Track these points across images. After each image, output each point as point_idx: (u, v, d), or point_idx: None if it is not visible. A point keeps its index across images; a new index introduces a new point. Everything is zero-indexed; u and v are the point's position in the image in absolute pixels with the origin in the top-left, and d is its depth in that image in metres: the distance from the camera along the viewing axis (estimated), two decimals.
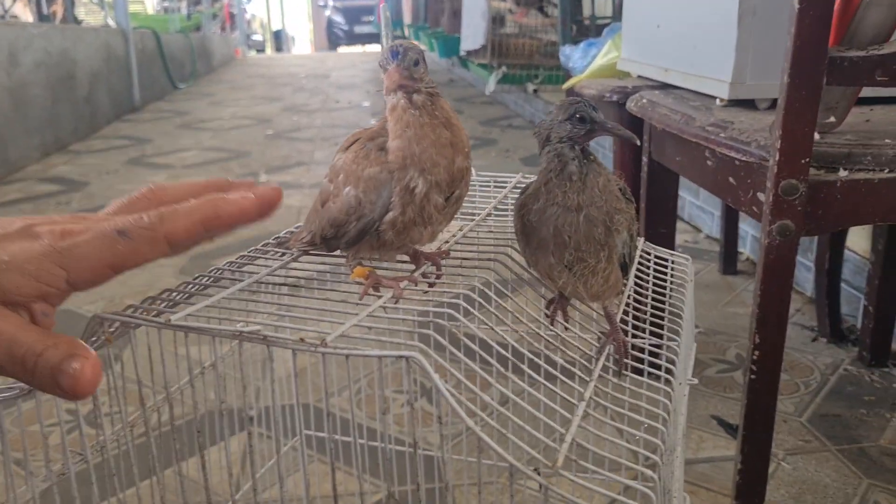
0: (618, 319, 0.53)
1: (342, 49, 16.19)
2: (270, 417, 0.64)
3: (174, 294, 0.50)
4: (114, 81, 5.03)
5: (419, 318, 0.46)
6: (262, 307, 0.46)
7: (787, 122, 0.83)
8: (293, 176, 3.15)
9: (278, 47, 18.50)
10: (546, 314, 0.55)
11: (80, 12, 12.42)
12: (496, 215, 0.69)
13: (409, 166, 0.46)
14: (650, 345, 0.61)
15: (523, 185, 0.57)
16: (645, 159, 1.27)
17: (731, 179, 0.99)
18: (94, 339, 0.43)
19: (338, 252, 0.54)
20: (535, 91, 2.30)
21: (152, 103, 5.78)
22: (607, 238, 0.48)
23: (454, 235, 0.61)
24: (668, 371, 0.51)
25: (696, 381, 0.59)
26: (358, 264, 0.52)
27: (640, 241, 0.68)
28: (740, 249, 1.93)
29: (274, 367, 0.44)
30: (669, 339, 0.60)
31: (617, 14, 1.61)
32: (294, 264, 0.53)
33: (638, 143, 0.52)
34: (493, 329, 0.50)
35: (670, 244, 1.34)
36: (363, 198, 0.47)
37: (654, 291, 0.63)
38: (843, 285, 1.53)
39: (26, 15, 13.15)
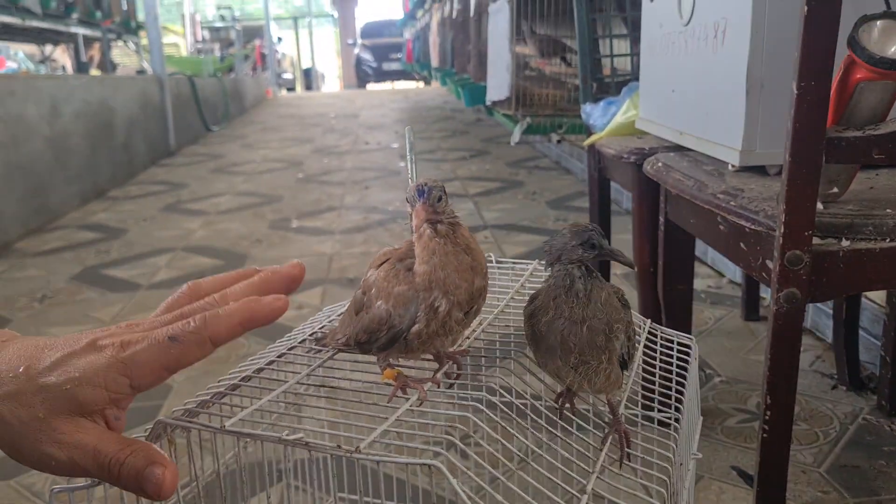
0: (620, 410, 0.58)
1: (371, 86, 16.47)
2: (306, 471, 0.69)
3: (224, 394, 0.55)
4: (150, 127, 5.20)
5: (443, 423, 0.51)
6: (303, 410, 0.52)
7: (790, 197, 0.87)
8: (324, 221, 3.24)
9: (308, 85, 18.86)
10: (555, 406, 0.60)
11: (116, 55, 12.82)
12: (514, 306, 0.74)
13: (433, 288, 0.52)
14: (658, 420, 0.65)
15: (538, 275, 0.62)
16: (662, 219, 1.32)
17: (742, 245, 1.03)
18: (158, 442, 0.49)
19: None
20: (558, 141, 2.36)
21: (187, 147, 5.95)
22: (608, 344, 0.54)
23: (474, 331, 0.66)
24: (667, 448, 0.55)
25: (700, 455, 0.63)
26: (388, 366, 0.57)
27: (647, 323, 0.73)
28: (762, 295, 1.95)
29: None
30: (675, 414, 0.64)
31: (636, 72, 1.67)
32: (330, 362, 0.59)
33: (634, 268, 0.57)
34: (509, 430, 0.55)
35: (688, 302, 1.38)
36: (393, 312, 0.53)
37: (661, 369, 0.68)
38: (861, 333, 1.56)
39: (65, 60, 13.60)
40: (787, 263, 0.89)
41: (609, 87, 1.77)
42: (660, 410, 0.64)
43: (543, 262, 0.57)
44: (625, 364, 0.56)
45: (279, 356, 0.59)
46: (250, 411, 0.48)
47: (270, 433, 0.45)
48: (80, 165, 3.91)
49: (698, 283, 2.15)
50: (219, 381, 0.58)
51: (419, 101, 9.59)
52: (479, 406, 0.50)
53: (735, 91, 1.10)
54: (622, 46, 1.85)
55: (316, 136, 6.40)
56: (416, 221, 0.51)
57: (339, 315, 0.70)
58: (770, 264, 0.94)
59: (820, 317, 1.73)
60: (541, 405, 0.63)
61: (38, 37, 8.19)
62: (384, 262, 0.55)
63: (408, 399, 0.50)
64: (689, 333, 1.44)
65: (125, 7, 9.24)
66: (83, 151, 3.95)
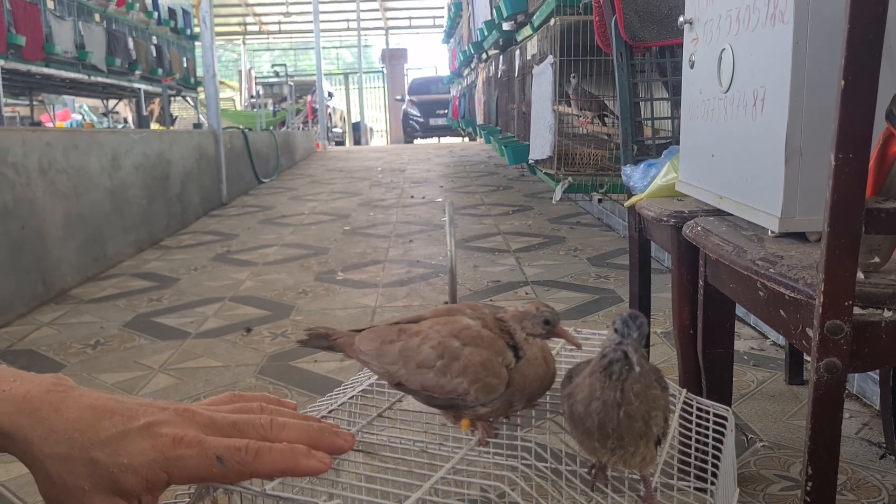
0: (654, 482, 0.59)
1: (417, 141, 16.76)
2: None
3: None
4: (204, 179, 5.36)
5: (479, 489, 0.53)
6: (342, 475, 0.54)
7: (829, 268, 0.88)
8: (368, 274, 3.29)
9: (357, 139, 19.25)
10: (587, 478, 0.62)
11: (175, 109, 13.31)
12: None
13: (518, 390, 0.56)
14: (694, 488, 0.66)
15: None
16: (701, 282, 1.32)
17: (781, 312, 1.03)
18: (202, 502, 0.52)
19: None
20: (599, 200, 2.38)
21: (238, 198, 6.11)
22: (646, 430, 0.55)
23: None
24: None
25: None
26: (460, 418, 0.60)
27: (682, 393, 0.74)
28: (807, 358, 1.92)
29: None
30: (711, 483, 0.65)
31: (677, 135, 1.69)
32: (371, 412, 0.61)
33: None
34: (545, 488, 0.56)
35: (728, 365, 1.37)
36: (473, 394, 0.56)
37: (697, 440, 0.68)
38: None
39: (126, 113, 14.11)
40: (828, 333, 0.89)
41: (650, 149, 1.80)
42: (696, 480, 0.64)
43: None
44: (659, 442, 0.58)
45: (322, 417, 0.62)
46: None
47: (309, 499, 0.47)
48: (137, 215, 4.05)
49: (740, 345, 2.12)
50: None
51: (464, 156, 9.72)
52: (518, 466, 0.51)
53: (774, 158, 1.12)
54: (663, 109, 1.88)
55: (363, 189, 6.52)
56: (572, 341, 0.56)
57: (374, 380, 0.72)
58: (810, 332, 0.93)
59: (867, 382, 1.70)
60: (576, 468, 0.64)
61: (103, 92, 8.58)
62: (476, 340, 0.58)
63: (452, 457, 0.52)
64: (730, 397, 1.43)
65: (185, 64, 9.64)
66: (140, 202, 4.10)
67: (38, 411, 0.47)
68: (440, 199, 5.64)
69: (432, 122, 16.67)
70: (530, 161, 2.75)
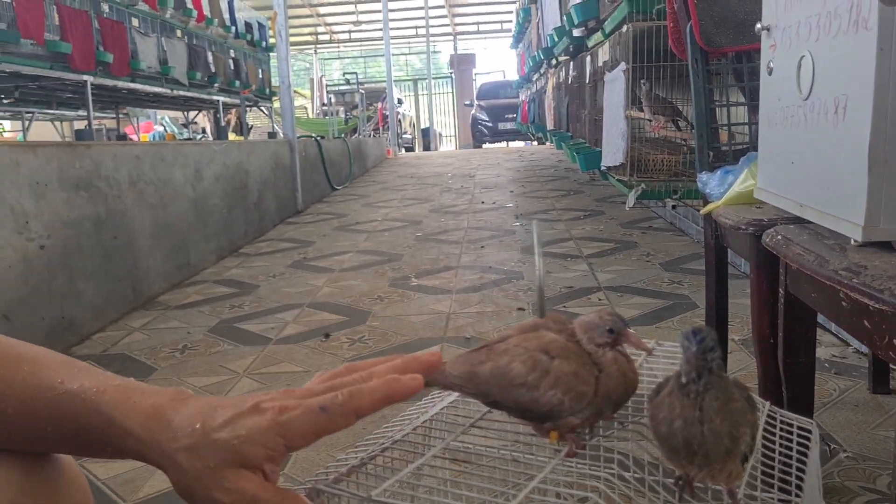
0: (739, 495, 0.60)
1: (486, 145, 16.80)
2: None
3: (368, 463, 0.62)
4: (280, 187, 5.52)
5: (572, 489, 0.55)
6: (441, 482, 0.58)
7: None
8: (441, 281, 3.33)
9: (426, 145, 19.41)
10: (673, 488, 0.64)
11: (250, 118, 13.69)
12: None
13: (606, 397, 0.59)
14: (778, 500, 0.67)
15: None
16: (781, 291, 1.31)
17: (865, 323, 1.02)
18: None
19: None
20: (674, 207, 2.37)
21: (313, 205, 6.26)
22: (733, 447, 0.57)
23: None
24: None
25: None
26: (552, 429, 0.64)
27: (766, 406, 0.74)
28: (893, 366, 1.87)
29: None
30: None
31: (754, 141, 1.67)
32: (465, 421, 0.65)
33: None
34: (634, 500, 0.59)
35: (810, 375, 1.35)
36: (567, 403, 0.59)
37: (781, 454, 0.69)
38: None
39: (204, 123, 14.60)
40: None
41: (726, 155, 1.78)
42: (780, 493, 0.65)
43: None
44: (746, 459, 0.59)
45: (414, 429, 0.65)
46: (393, 482, 0.54)
47: None
48: (218, 224, 4.20)
49: (821, 352, 2.08)
50: (356, 448, 0.64)
51: (533, 160, 9.70)
52: (604, 476, 0.54)
53: (857, 166, 1.10)
54: (739, 114, 1.86)
55: (434, 195, 6.59)
56: (639, 346, 0.59)
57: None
58: None
59: None
60: (660, 478, 0.66)
61: (184, 104, 8.92)
62: (566, 352, 0.61)
63: (539, 473, 0.55)
64: (812, 408, 1.41)
65: (260, 76, 9.93)
66: (220, 211, 4.26)
67: (164, 417, 0.52)
68: (511, 205, 5.66)
69: (501, 126, 16.69)
70: (602, 168, 2.75)
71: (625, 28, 2.48)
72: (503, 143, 17.06)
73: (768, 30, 1.49)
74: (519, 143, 15.98)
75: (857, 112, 1.12)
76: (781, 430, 0.71)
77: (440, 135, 22.20)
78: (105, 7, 5.95)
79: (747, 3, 1.84)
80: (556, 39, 4.99)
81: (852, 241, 1.15)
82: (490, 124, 16.96)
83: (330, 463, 0.63)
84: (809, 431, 0.69)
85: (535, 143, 13.06)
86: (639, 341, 0.62)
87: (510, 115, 15.76)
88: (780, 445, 0.69)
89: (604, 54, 3.10)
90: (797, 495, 0.64)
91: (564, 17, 4.31)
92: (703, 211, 1.70)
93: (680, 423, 0.56)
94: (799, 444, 0.69)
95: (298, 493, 0.51)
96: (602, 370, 0.59)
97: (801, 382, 1.35)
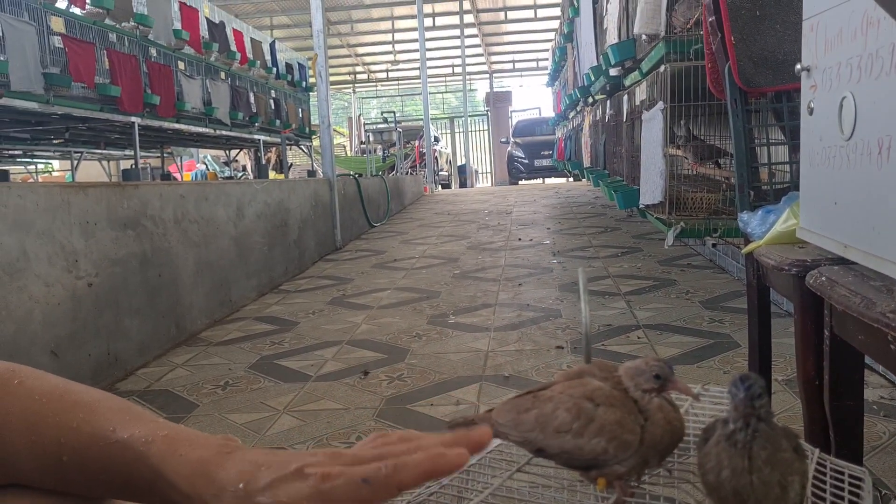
0: None
1: (522, 182, 16.85)
2: None
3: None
4: (319, 225, 5.60)
5: None
6: None
7: None
8: (480, 318, 3.33)
9: (462, 182, 19.53)
10: None
11: (290, 156, 13.93)
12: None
13: (652, 446, 0.59)
14: None
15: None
16: (827, 333, 1.29)
17: None
18: None
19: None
20: (714, 245, 2.35)
21: (351, 242, 6.33)
22: (783, 495, 0.56)
23: None
24: None
25: None
26: (599, 476, 0.64)
27: (815, 453, 0.73)
28: None
29: None
30: None
31: (795, 180, 1.67)
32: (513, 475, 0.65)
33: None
34: None
35: (859, 418, 1.32)
36: (611, 452, 0.60)
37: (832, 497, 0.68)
38: None
39: (245, 161, 14.87)
40: None
41: (766, 194, 1.77)
42: None
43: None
44: None
45: (460, 472, 0.66)
46: None
47: None
48: (259, 261, 4.27)
49: (869, 394, 2.03)
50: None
51: (570, 196, 9.70)
52: None
53: None
54: (780, 153, 1.86)
55: (471, 232, 6.62)
56: (686, 392, 0.60)
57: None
58: None
59: None
60: None
61: (226, 143, 9.13)
62: (612, 401, 0.61)
63: None
64: (861, 452, 1.38)
65: (300, 115, 10.13)
66: (261, 248, 4.33)
67: (210, 473, 0.53)
68: (548, 242, 5.66)
69: (537, 163, 16.74)
70: (641, 206, 2.74)
71: (662, 68, 2.49)
72: (539, 180, 17.09)
73: (808, 70, 1.49)
74: (557, 180, 15.98)
75: None
76: (832, 478, 0.70)
77: (476, 172, 22.32)
78: (153, 51, 6.15)
79: (786, 44, 1.85)
80: (593, 78, 5.03)
81: None
82: (526, 161, 17.02)
83: None
84: (861, 479, 0.68)
85: (571, 179, 13.06)
86: (685, 387, 0.62)
87: (546, 152, 15.81)
88: (832, 495, 0.68)
89: (641, 93, 3.11)
90: None
91: (601, 57, 4.35)
92: (745, 250, 1.68)
93: (728, 472, 0.56)
94: (851, 492, 0.68)
95: None
96: (648, 418, 0.59)
97: (850, 426, 1.32)
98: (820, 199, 1.44)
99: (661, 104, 2.45)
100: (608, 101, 4.89)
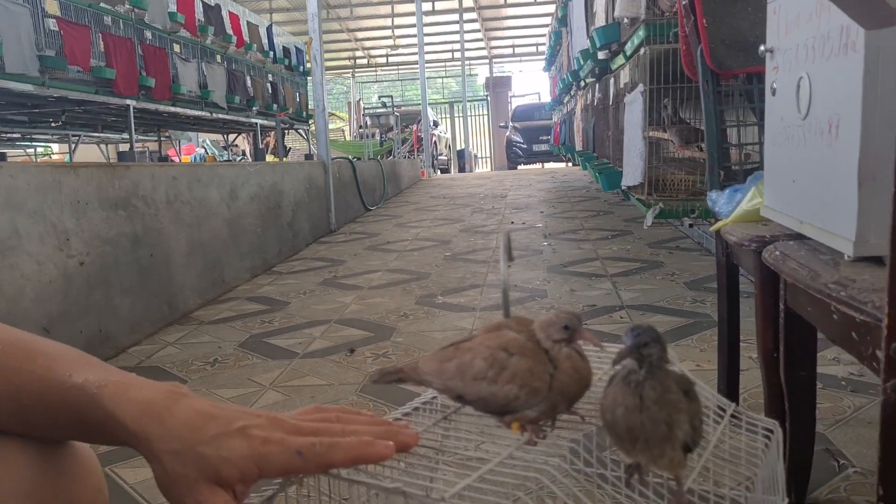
0: (687, 484, 0.64)
1: (521, 167, 16.87)
2: None
3: None
4: (314, 208, 5.64)
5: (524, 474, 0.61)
6: (411, 465, 0.63)
7: (892, 290, 0.90)
8: (467, 299, 3.38)
9: (461, 167, 19.55)
10: (624, 476, 0.68)
11: (289, 140, 13.94)
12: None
13: (560, 392, 0.64)
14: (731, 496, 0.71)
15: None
16: (782, 306, 1.34)
17: (853, 335, 1.05)
18: (289, 484, 0.62)
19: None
20: (690, 225, 2.39)
21: (346, 225, 6.37)
22: (670, 433, 0.61)
23: None
24: None
25: None
26: (513, 421, 0.69)
27: (731, 407, 0.78)
28: None
29: None
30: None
31: (763, 161, 1.71)
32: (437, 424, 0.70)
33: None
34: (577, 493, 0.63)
35: (811, 388, 1.37)
36: (522, 398, 0.65)
37: (746, 452, 0.73)
38: None
39: (245, 146, 14.89)
40: (894, 354, 0.91)
41: (737, 174, 1.82)
42: (737, 489, 0.69)
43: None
44: (689, 449, 0.63)
45: (395, 419, 0.71)
46: (352, 469, 0.59)
47: (376, 481, 0.56)
48: (252, 243, 4.32)
49: (839, 370, 2.08)
50: None
51: (565, 181, 9.73)
52: (559, 464, 0.59)
53: (849, 183, 1.14)
54: (752, 135, 1.90)
55: (465, 215, 6.66)
56: (593, 342, 0.64)
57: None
58: (880, 355, 0.95)
59: None
60: (605, 472, 0.70)
61: (223, 127, 9.16)
62: (525, 351, 0.66)
63: (493, 458, 0.60)
64: (814, 421, 1.43)
65: (298, 99, 10.14)
66: (255, 230, 4.37)
67: (158, 415, 0.57)
68: (540, 225, 5.70)
69: (535, 148, 16.77)
70: (623, 187, 2.79)
71: (642, 51, 2.53)
72: (538, 165, 17.12)
73: (772, 52, 1.53)
74: (557, 165, 15.99)
75: (848, 131, 1.16)
76: (747, 430, 0.75)
77: (475, 156, 22.33)
78: (148, 34, 6.17)
79: (758, 27, 1.88)
80: (583, 62, 5.06)
81: (846, 257, 1.19)
82: (524, 146, 17.05)
83: None
84: (772, 431, 0.73)
85: (569, 164, 13.09)
86: (593, 338, 0.66)
87: (544, 137, 15.84)
88: (746, 444, 0.73)
89: (625, 76, 3.14)
90: (747, 489, 0.67)
91: (588, 40, 4.37)
92: (713, 228, 1.73)
93: (622, 410, 0.61)
94: (763, 442, 0.73)
95: None
96: (557, 367, 0.64)
97: (803, 396, 1.37)
98: (781, 178, 1.48)
99: (640, 87, 2.49)
100: (597, 85, 4.92)
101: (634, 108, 2.60)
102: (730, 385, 1.89)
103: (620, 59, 3.43)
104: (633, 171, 2.53)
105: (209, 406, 0.59)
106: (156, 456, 0.57)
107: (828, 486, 1.52)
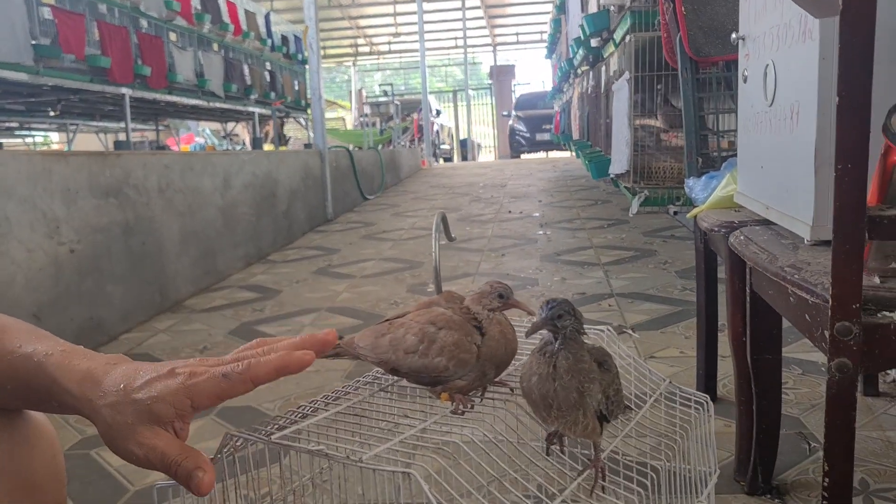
0: (604, 450, 0.67)
1: (524, 156, 16.85)
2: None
3: (293, 415, 0.70)
4: (310, 197, 5.66)
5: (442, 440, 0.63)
6: (339, 432, 0.66)
7: (836, 272, 0.92)
8: (458, 287, 3.40)
9: (464, 156, 19.53)
10: (544, 444, 0.71)
11: (289, 129, 13.94)
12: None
13: (490, 361, 0.67)
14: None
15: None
16: (748, 290, 1.36)
17: (806, 316, 1.07)
18: (226, 449, 0.64)
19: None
20: (675, 213, 2.41)
21: (343, 214, 6.39)
22: (581, 400, 0.64)
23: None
24: (643, 484, 0.63)
25: None
26: (443, 391, 0.71)
27: (665, 382, 0.81)
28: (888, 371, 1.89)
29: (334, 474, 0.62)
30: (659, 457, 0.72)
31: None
32: (371, 396, 0.73)
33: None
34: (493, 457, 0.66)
35: (777, 371, 1.39)
36: (452, 369, 0.67)
37: (681, 422, 0.75)
38: None
39: (244, 135, 14.90)
40: (838, 334, 0.93)
41: (715, 161, 1.83)
42: (666, 460, 0.71)
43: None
44: (605, 418, 0.66)
45: (333, 391, 0.74)
46: (293, 430, 0.62)
47: (302, 445, 0.58)
48: (246, 231, 4.34)
49: (819, 356, 2.10)
50: (287, 411, 0.72)
51: (566, 170, 9.73)
52: (482, 432, 0.61)
53: (806, 169, 1.16)
54: (731, 122, 1.91)
55: (463, 205, 6.67)
56: (524, 308, 0.67)
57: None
58: (827, 335, 0.97)
59: None
60: (532, 443, 0.72)
61: (221, 116, 9.17)
62: (453, 326, 0.69)
63: (416, 425, 0.62)
64: (780, 402, 1.45)
65: (296, 87, 10.14)
66: (249, 219, 4.40)
67: (96, 378, 0.61)
68: (537, 214, 5.71)
69: (538, 137, 16.73)
70: (610, 175, 2.80)
71: (628, 39, 2.53)
72: (541, 154, 17.09)
73: (743, 39, 1.55)
74: (560, 154, 15.96)
75: (806, 117, 1.17)
76: (681, 403, 0.77)
77: (479, 145, 22.31)
78: (144, 22, 6.18)
79: (735, 15, 1.89)
80: (576, 50, 5.05)
81: (805, 241, 1.20)
82: (528, 135, 17.02)
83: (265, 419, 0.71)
84: (703, 404, 0.75)
85: (572, 153, 13.08)
86: (524, 305, 0.69)
87: (547, 126, 15.80)
88: (680, 413, 0.75)
89: (614, 64, 3.15)
90: (667, 457, 0.70)
91: (580, 28, 4.38)
92: (689, 215, 1.75)
93: (536, 378, 0.63)
94: (694, 414, 0.75)
95: (199, 451, 0.60)
96: (485, 334, 0.66)
97: (768, 378, 1.39)
98: (751, 164, 1.50)
99: (626, 74, 2.50)
100: (591, 73, 4.92)
101: (621, 96, 2.61)
102: (708, 369, 1.91)
103: (611, 47, 3.44)
104: (619, 158, 2.55)
105: (144, 364, 0.63)
106: (96, 412, 0.59)
107: (797, 467, 1.54)
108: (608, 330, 1.05)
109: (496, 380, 0.70)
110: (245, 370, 0.60)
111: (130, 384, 0.59)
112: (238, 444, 0.63)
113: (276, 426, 0.66)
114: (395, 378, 0.74)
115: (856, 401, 0.96)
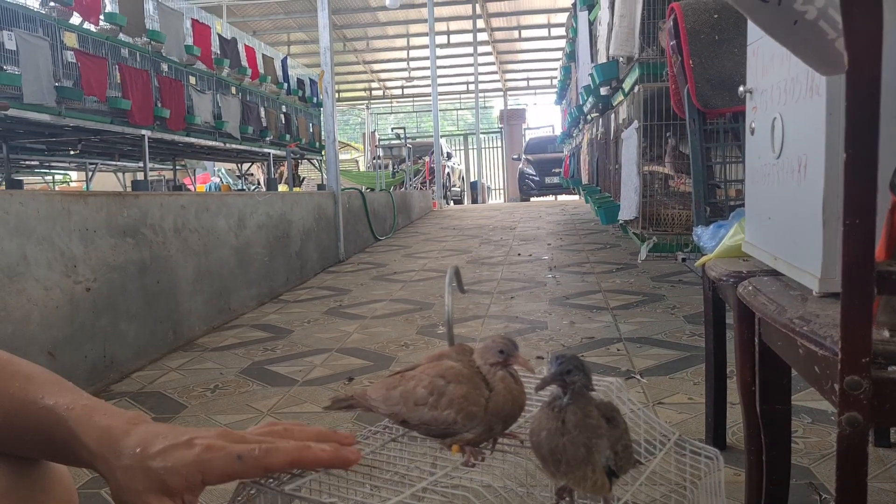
0: None
1: (534, 199, 16.94)
2: None
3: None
4: (322, 237, 5.71)
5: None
6: (351, 483, 0.67)
7: (845, 326, 0.94)
8: (467, 329, 3.42)
9: (474, 198, 19.65)
10: (554, 498, 0.72)
11: (304, 170, 14.08)
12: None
13: (495, 414, 0.68)
14: None
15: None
16: (756, 340, 1.37)
17: (816, 369, 1.08)
18: (239, 498, 0.66)
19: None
20: (683, 260, 2.42)
21: (355, 255, 6.43)
22: (589, 456, 0.65)
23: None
24: None
25: None
26: (453, 443, 0.73)
27: (674, 436, 0.81)
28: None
29: None
30: None
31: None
32: (383, 448, 0.74)
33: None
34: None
35: (786, 421, 1.40)
36: (460, 422, 0.69)
37: (684, 478, 0.76)
38: None
39: (259, 175, 15.07)
40: (848, 388, 0.94)
41: (723, 210, 1.85)
42: None
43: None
44: (613, 473, 0.67)
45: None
46: (307, 481, 0.64)
47: (314, 497, 0.60)
48: (259, 271, 4.38)
49: (828, 405, 2.09)
50: None
51: (575, 214, 9.77)
52: (491, 484, 0.62)
53: (815, 222, 1.18)
54: (739, 172, 1.94)
55: (473, 247, 6.71)
56: (525, 365, 0.69)
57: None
58: (837, 388, 0.98)
59: None
60: (541, 494, 0.73)
61: (237, 157, 9.30)
62: (460, 379, 0.70)
63: (427, 476, 0.64)
64: (789, 453, 1.45)
65: (311, 129, 10.29)
66: (262, 259, 4.44)
67: (115, 437, 0.62)
68: (546, 257, 5.73)
69: (548, 180, 16.84)
70: (619, 221, 2.83)
71: (636, 89, 2.58)
72: (551, 197, 17.18)
73: (751, 93, 1.58)
74: (570, 197, 16.03)
75: (814, 170, 1.20)
76: (691, 457, 0.78)
77: (488, 188, 22.44)
78: (164, 66, 6.32)
79: (743, 67, 1.93)
80: (586, 97, 5.13)
81: (814, 293, 1.22)
82: (537, 178, 17.13)
83: None
84: (712, 458, 0.76)
85: (581, 197, 13.14)
86: (525, 362, 0.71)
87: (557, 170, 15.90)
88: (690, 467, 0.76)
89: (623, 112, 3.20)
90: None
91: (590, 77, 4.45)
92: (698, 263, 1.76)
93: (546, 433, 0.64)
94: (704, 469, 0.76)
95: None
96: (493, 390, 0.68)
97: (778, 428, 1.39)
98: (759, 214, 1.52)
99: (635, 122, 2.54)
100: (600, 120, 4.98)
101: (630, 144, 2.65)
102: (717, 417, 1.91)
103: (620, 96, 3.49)
104: (628, 205, 2.57)
105: (164, 427, 0.64)
106: (111, 472, 0.61)
107: None
108: (616, 381, 1.06)
109: (506, 432, 0.71)
110: (261, 456, 0.61)
111: (147, 449, 0.60)
112: (252, 493, 0.65)
113: (289, 475, 0.68)
114: (404, 430, 0.76)
115: (867, 455, 0.96)
